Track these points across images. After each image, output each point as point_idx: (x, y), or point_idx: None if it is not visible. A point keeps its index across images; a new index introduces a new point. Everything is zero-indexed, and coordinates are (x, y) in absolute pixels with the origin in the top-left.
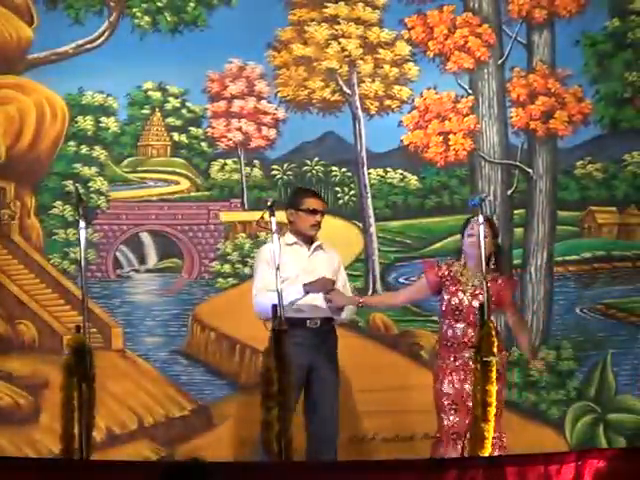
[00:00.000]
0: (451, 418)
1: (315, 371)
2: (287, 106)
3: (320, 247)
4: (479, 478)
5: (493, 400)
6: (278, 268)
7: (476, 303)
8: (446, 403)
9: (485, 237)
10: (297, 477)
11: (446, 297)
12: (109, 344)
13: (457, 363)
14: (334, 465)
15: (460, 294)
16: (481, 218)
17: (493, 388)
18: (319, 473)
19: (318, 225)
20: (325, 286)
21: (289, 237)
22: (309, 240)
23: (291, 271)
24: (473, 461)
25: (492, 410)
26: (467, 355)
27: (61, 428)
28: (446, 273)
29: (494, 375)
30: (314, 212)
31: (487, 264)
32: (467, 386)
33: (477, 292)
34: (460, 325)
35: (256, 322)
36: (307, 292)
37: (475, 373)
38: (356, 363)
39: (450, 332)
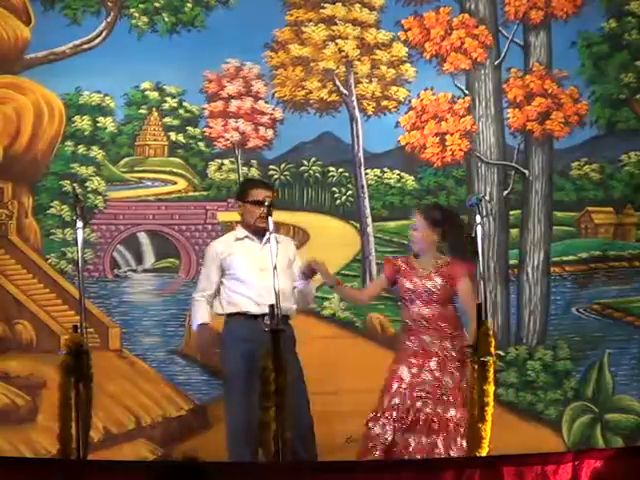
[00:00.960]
0: (395, 400)
1: None
2: (284, 106)
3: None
4: (476, 478)
5: (490, 400)
6: (275, 268)
7: (428, 283)
8: (395, 386)
9: (419, 230)
10: (295, 477)
11: (402, 282)
12: (106, 344)
13: (415, 346)
14: (332, 465)
15: (415, 278)
16: (478, 218)
17: (490, 388)
18: (317, 473)
19: (266, 217)
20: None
21: (240, 231)
22: (261, 232)
23: (242, 270)
24: (470, 461)
25: (490, 410)
26: (426, 339)
27: (59, 428)
28: (402, 265)
29: (492, 375)
30: (260, 203)
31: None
32: (424, 374)
33: (430, 275)
34: (414, 306)
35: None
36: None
37: (472, 373)
38: (353, 363)
39: (406, 313)
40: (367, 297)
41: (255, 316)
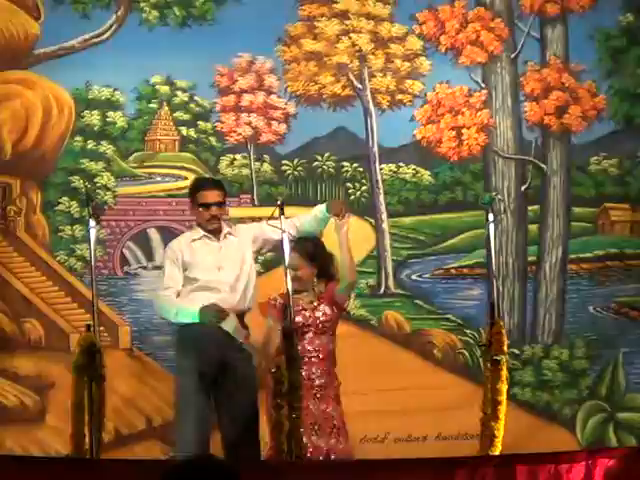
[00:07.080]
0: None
1: (228, 367)
2: (297, 101)
3: (229, 233)
4: (490, 477)
5: (504, 399)
6: (287, 268)
7: (318, 314)
8: None
9: (299, 269)
10: (308, 476)
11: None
12: (116, 342)
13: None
14: (344, 464)
15: (303, 312)
16: (491, 216)
17: (504, 387)
18: (332, 472)
19: (215, 218)
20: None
21: (196, 231)
22: (216, 230)
23: (199, 270)
24: (484, 460)
25: (503, 409)
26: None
27: (71, 428)
28: (285, 302)
29: (505, 374)
30: (207, 206)
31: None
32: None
33: (315, 304)
34: (305, 338)
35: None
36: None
37: (485, 372)
38: (368, 362)
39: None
40: (274, 350)
41: None
